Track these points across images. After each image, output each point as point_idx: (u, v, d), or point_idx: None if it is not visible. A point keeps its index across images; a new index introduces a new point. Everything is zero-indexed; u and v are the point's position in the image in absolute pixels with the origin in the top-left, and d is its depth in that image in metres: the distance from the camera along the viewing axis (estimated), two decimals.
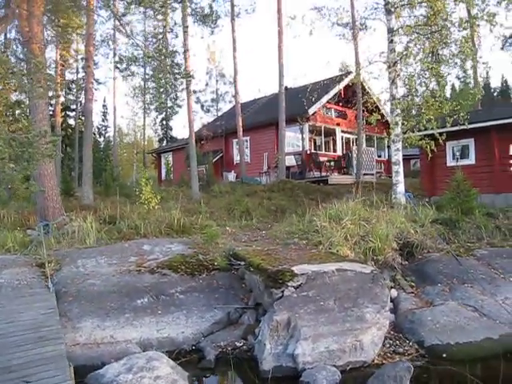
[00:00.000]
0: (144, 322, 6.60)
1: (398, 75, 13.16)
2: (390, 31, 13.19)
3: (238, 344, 6.49)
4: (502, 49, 39.45)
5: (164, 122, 41.53)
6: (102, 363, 5.74)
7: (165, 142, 40.95)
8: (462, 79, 37.47)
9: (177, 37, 19.81)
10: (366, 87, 22.74)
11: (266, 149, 24.63)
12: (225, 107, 43.18)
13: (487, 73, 34.81)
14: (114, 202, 15.94)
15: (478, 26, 13.03)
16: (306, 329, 5.79)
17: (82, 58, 32.12)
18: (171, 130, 41.96)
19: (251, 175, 23.13)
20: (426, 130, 12.46)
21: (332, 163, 23.17)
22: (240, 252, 8.29)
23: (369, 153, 23.20)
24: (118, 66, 26.99)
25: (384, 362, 5.98)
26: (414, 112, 13.77)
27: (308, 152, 23.18)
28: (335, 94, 24.21)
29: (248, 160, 24.67)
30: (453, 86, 51.21)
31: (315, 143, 26.11)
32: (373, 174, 22.94)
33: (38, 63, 9.86)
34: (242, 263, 7.80)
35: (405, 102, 12.79)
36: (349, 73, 24.66)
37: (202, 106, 44.13)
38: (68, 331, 6.18)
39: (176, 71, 13.68)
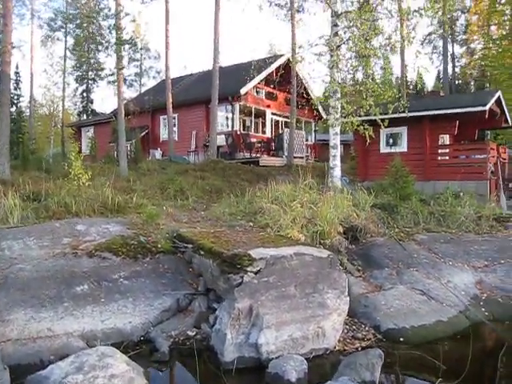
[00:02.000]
0: (86, 311, 5.90)
1: (340, 59, 13.09)
2: (335, 14, 13.05)
3: (190, 333, 6.03)
4: (422, 44, 41.55)
5: (84, 95, 39.01)
6: (40, 361, 5.07)
7: (85, 115, 38.56)
8: (384, 69, 38.83)
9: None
10: (298, 71, 22.65)
11: (195, 127, 23.99)
12: (148, 83, 41.59)
13: (405, 66, 36.10)
14: (34, 177, 14.67)
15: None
16: (268, 316, 5.46)
17: None
18: (92, 103, 39.54)
19: (179, 153, 22.41)
20: (367, 115, 12.54)
21: (262, 144, 23.00)
22: (186, 234, 7.76)
23: (299, 136, 23.27)
24: (52, 23, 24.66)
25: (345, 347, 5.84)
26: (352, 98, 13.82)
27: (238, 132, 22.79)
28: (267, 75, 23.95)
29: (176, 138, 23.81)
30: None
31: (244, 124, 25.79)
32: (302, 158, 23.10)
33: None
34: (190, 246, 7.28)
35: (346, 86, 12.76)
36: (282, 55, 24.56)
37: (125, 80, 42.05)
38: None
39: (115, 36, 12.53)
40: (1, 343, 5.16)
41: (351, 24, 13.15)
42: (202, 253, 6.83)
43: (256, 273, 5.84)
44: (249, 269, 5.81)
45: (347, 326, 6.40)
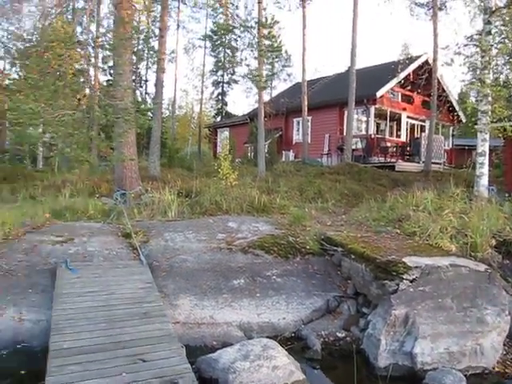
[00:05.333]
0: (243, 304, 6.34)
1: (493, 60, 12.28)
2: (487, 11, 12.25)
3: (339, 335, 6.15)
4: None
5: (220, 97, 41.22)
6: (204, 345, 5.57)
7: (219, 117, 40.72)
8: None
9: (265, 9, 18.27)
10: (438, 73, 21.62)
11: (328, 130, 24.04)
12: (279, 85, 42.44)
13: None
14: (179, 174, 15.88)
15: None
16: (424, 326, 5.39)
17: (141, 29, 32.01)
18: (226, 105, 41.63)
19: (311, 156, 22.64)
20: None
21: (396, 149, 22.40)
22: (335, 237, 7.89)
23: (437, 141, 22.21)
24: (212, 35, 27.03)
25: (506, 370, 5.54)
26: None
27: (373, 136, 22.41)
28: (404, 78, 23.21)
29: (308, 140, 24.08)
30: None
31: (378, 127, 25.27)
32: (440, 163, 22.01)
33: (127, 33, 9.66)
34: (339, 249, 7.41)
35: (501, 89, 11.92)
36: (419, 56, 23.65)
37: (254, 82, 43.10)
38: (166, 308, 5.96)
39: (267, 43, 13.12)
40: (171, 324, 5.72)
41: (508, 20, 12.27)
42: (353, 257, 6.92)
43: (411, 281, 5.80)
44: (404, 276, 5.79)
45: (506, 348, 6.05)
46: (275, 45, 14.75)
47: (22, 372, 5.03)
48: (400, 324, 5.47)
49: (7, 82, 17.88)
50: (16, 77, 14.97)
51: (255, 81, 16.94)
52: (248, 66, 19.59)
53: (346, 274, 7.18)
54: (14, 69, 15.90)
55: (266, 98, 37.16)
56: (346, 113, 21.61)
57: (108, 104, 7.91)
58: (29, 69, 10.70)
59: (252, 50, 15.68)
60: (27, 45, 11.85)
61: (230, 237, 8.04)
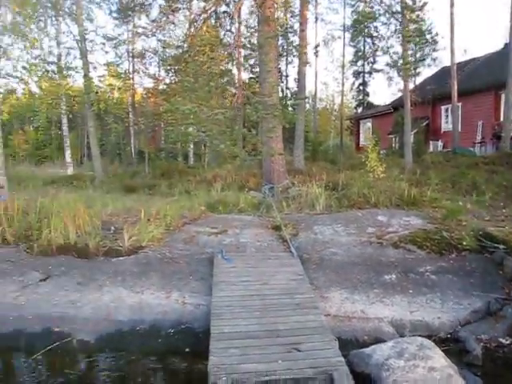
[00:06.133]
0: (395, 300, 6.20)
1: None
2: None
3: (503, 341, 5.66)
4: None
5: (361, 88, 40.29)
6: (355, 339, 5.57)
7: (361, 108, 39.81)
8: None
9: None
10: None
11: (481, 116, 22.08)
12: (423, 72, 39.85)
13: None
14: (323, 167, 15.92)
15: None
16: None
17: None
18: (368, 95, 40.49)
19: (461, 145, 21.05)
20: None
21: None
22: (495, 233, 7.30)
23: None
24: (356, 25, 27.34)
25: None
26: None
27: None
28: None
29: (458, 128, 22.46)
30: None
31: None
32: None
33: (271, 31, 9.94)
34: (501, 246, 6.84)
35: None
36: None
37: (399, 70, 41.08)
38: (317, 300, 6.05)
39: (413, 27, 12.54)
40: (323, 316, 5.78)
41: None
42: None
43: None
44: None
45: None
46: (423, 28, 13.91)
47: (187, 350, 5.55)
48: None
49: (161, 86, 19.56)
50: (168, 82, 16.28)
51: (402, 69, 16.24)
52: (394, 53, 18.64)
53: (509, 275, 6.60)
54: (167, 74, 17.31)
55: (411, 85, 35.44)
56: (503, 96, 19.68)
57: (258, 101, 8.28)
58: (184, 73, 11.60)
59: (399, 37, 14.95)
60: (180, 51, 12.84)
61: (380, 231, 7.90)
